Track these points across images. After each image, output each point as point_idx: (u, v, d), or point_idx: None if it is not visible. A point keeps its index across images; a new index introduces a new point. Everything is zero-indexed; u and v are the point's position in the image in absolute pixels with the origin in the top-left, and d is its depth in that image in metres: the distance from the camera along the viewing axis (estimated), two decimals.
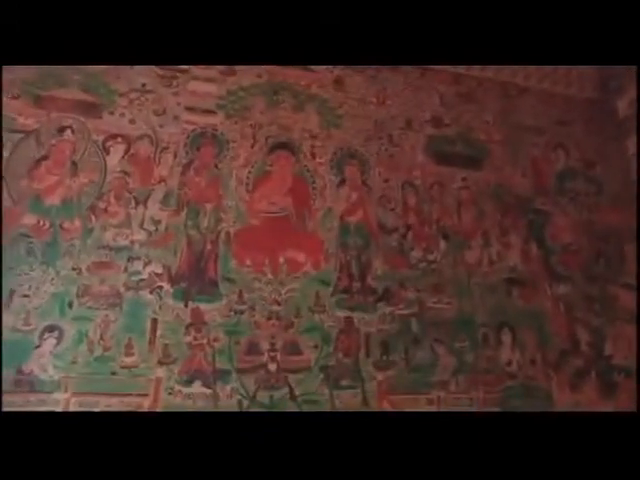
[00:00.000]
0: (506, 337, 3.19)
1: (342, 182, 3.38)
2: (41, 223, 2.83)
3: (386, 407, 2.84)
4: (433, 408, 2.89)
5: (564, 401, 3.12)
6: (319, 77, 3.62)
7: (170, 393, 2.62)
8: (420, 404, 2.90)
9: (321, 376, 2.83)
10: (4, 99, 3.01)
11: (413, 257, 3.28)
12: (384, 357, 2.95)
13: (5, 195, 2.83)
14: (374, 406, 2.83)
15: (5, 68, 3.05)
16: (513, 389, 3.07)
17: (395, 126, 3.65)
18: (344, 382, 2.85)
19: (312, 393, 2.78)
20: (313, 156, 3.39)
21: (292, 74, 3.56)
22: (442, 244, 3.38)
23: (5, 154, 2.91)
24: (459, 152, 3.72)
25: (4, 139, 2.93)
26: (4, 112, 2.98)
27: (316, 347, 2.88)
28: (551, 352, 3.24)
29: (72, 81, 3.18)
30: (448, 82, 3.92)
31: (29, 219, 2.82)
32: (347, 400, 2.82)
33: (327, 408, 2.76)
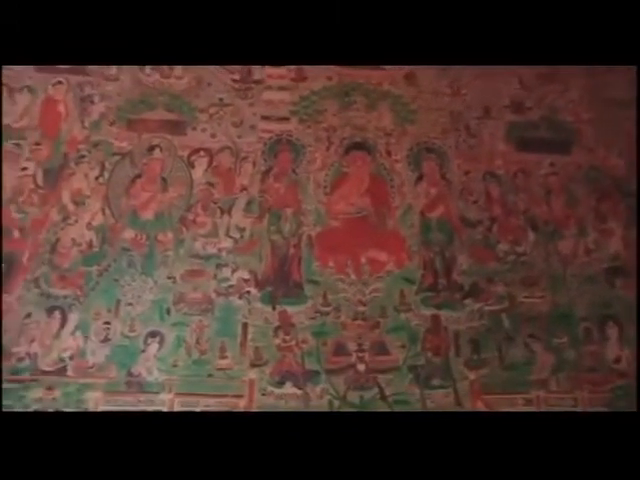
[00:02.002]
0: (612, 332, 2.95)
1: (420, 178, 3.32)
2: (138, 237, 3.06)
3: (480, 407, 2.75)
4: (532, 408, 2.74)
5: None
6: (389, 74, 3.57)
7: (263, 394, 2.71)
8: (517, 404, 2.76)
9: (410, 376, 2.79)
10: (104, 126, 3.30)
11: (500, 250, 3.14)
12: (475, 355, 2.85)
13: (107, 213, 3.10)
14: (467, 406, 2.74)
15: (103, 96, 3.35)
16: (623, 389, 2.83)
17: (472, 115, 3.52)
18: (435, 382, 2.79)
19: (402, 393, 2.75)
20: (389, 154, 3.36)
21: (362, 74, 3.55)
22: (531, 235, 3.20)
23: (105, 175, 3.19)
24: (544, 136, 3.50)
25: (105, 163, 3.22)
26: (104, 138, 3.28)
27: (403, 347, 2.85)
28: None
29: (158, 102, 3.40)
30: None
31: (128, 233, 3.06)
32: (439, 400, 2.75)
33: (418, 408, 2.72)
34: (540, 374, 2.84)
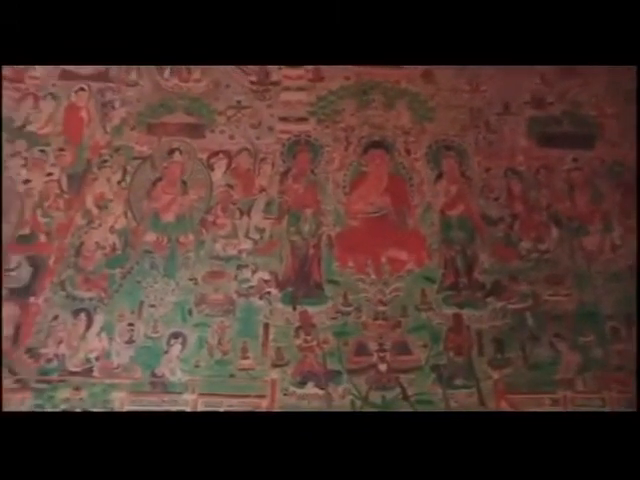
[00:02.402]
0: None
1: (440, 176, 3.29)
2: (160, 239, 3.10)
3: (505, 407, 2.71)
4: (559, 408, 2.69)
5: None
6: (407, 72, 3.54)
7: (285, 394, 2.72)
8: (543, 404, 2.71)
9: (433, 376, 2.77)
10: (126, 131, 3.36)
11: (523, 248, 3.09)
12: (499, 355, 2.81)
13: (130, 216, 3.15)
14: (491, 406, 2.71)
15: (123, 101, 3.41)
16: None
17: (492, 112, 3.47)
18: (458, 381, 2.76)
19: (425, 393, 2.73)
20: (408, 152, 3.34)
21: (380, 72, 3.53)
22: (555, 232, 3.15)
23: (127, 179, 3.25)
24: (566, 131, 3.44)
25: (126, 167, 3.28)
26: (125, 143, 3.33)
27: (425, 346, 2.83)
28: None
29: (177, 106, 3.45)
30: None
31: (150, 236, 3.11)
32: (462, 400, 2.72)
33: (441, 408, 2.70)
34: (566, 374, 2.78)
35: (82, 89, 3.47)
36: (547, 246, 3.10)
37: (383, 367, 2.78)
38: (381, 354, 2.80)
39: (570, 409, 2.68)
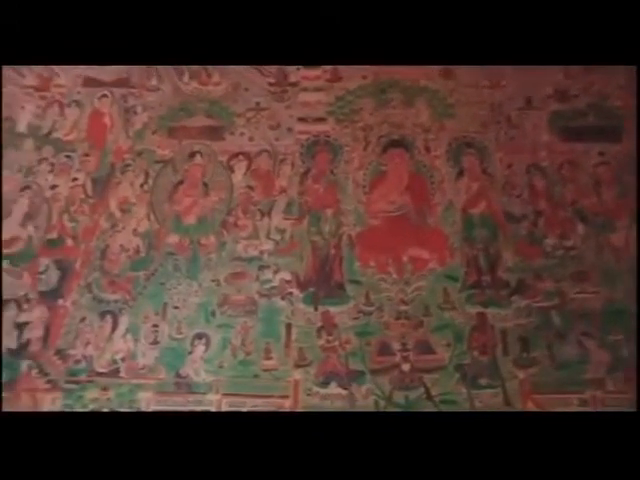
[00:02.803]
0: None
1: (461, 173, 3.25)
2: (182, 241, 3.15)
3: (531, 407, 2.66)
4: (588, 409, 2.63)
5: None
6: (426, 70, 3.50)
7: (308, 394, 2.73)
8: (572, 404, 2.65)
9: (457, 375, 2.73)
10: (147, 135, 3.42)
11: (547, 245, 3.03)
12: (524, 354, 2.76)
13: (152, 219, 3.21)
14: (517, 406, 2.66)
15: (145, 106, 3.47)
16: None
17: (513, 107, 3.41)
18: (482, 381, 2.72)
19: (449, 393, 2.70)
20: (427, 150, 3.31)
21: (398, 70, 3.50)
22: (580, 228, 3.07)
23: (149, 183, 3.31)
24: (591, 124, 3.35)
25: (148, 171, 3.34)
26: (146, 147, 3.40)
27: (449, 345, 2.80)
28: None
29: (197, 109, 3.49)
30: None
31: (172, 238, 3.15)
32: (487, 400, 2.69)
33: (466, 408, 2.66)
34: (595, 373, 2.71)
35: (105, 95, 3.55)
36: (573, 243, 3.03)
37: (406, 367, 2.76)
38: (404, 354, 2.79)
39: (600, 409, 2.62)
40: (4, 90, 3.45)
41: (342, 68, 3.51)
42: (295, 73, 3.54)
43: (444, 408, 2.66)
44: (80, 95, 3.57)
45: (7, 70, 3.40)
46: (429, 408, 2.67)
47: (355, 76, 3.51)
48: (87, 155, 3.39)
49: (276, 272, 3.01)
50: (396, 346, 2.81)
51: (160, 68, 3.57)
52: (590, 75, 3.47)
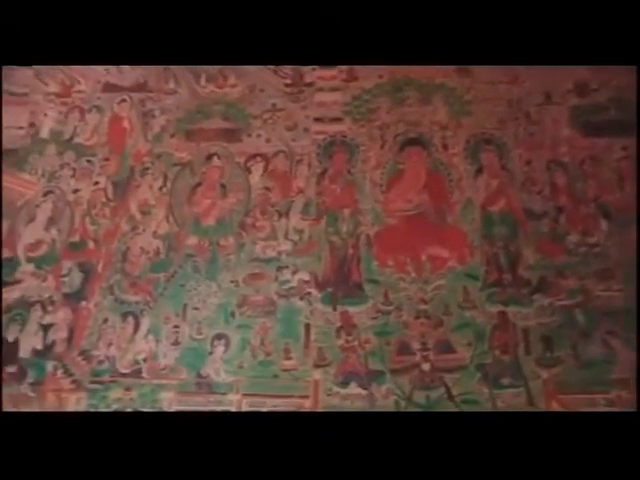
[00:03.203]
0: None
1: (479, 170, 3.21)
2: (201, 243, 3.18)
3: (556, 407, 2.61)
4: (615, 409, 2.56)
5: None
6: (442, 67, 3.47)
7: (328, 394, 2.72)
8: (598, 404, 2.60)
9: (478, 375, 2.70)
10: (165, 138, 3.47)
11: (570, 242, 2.98)
12: (548, 353, 2.71)
13: (171, 221, 3.25)
14: (541, 406, 2.61)
15: (163, 110, 3.51)
16: None
17: (532, 102, 3.36)
18: (504, 381, 2.68)
19: (471, 393, 2.67)
20: (445, 148, 3.28)
21: (413, 69, 3.47)
22: (604, 224, 3.01)
23: (168, 185, 3.35)
24: (613, 119, 3.28)
25: (167, 173, 3.38)
26: (165, 150, 3.45)
27: (469, 345, 2.77)
28: None
29: (214, 112, 3.52)
30: None
31: (192, 240, 3.19)
32: (509, 400, 2.65)
33: (488, 408, 2.63)
34: (622, 373, 2.64)
35: (124, 100, 3.61)
36: (596, 239, 2.97)
37: (426, 366, 2.74)
38: (424, 353, 2.76)
39: (627, 409, 2.56)
40: (28, 99, 3.54)
41: (358, 68, 3.51)
42: (311, 73, 3.55)
43: (465, 408, 2.63)
44: (100, 100, 3.64)
45: (32, 79, 3.49)
46: (450, 408, 2.64)
47: (371, 75, 3.50)
48: (107, 159, 3.45)
49: (294, 272, 3.02)
50: (416, 345, 2.79)
51: (177, 72, 3.62)
52: (612, 66, 3.39)
